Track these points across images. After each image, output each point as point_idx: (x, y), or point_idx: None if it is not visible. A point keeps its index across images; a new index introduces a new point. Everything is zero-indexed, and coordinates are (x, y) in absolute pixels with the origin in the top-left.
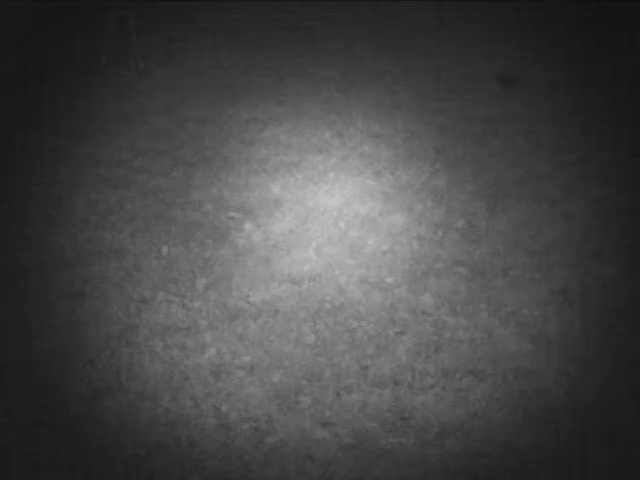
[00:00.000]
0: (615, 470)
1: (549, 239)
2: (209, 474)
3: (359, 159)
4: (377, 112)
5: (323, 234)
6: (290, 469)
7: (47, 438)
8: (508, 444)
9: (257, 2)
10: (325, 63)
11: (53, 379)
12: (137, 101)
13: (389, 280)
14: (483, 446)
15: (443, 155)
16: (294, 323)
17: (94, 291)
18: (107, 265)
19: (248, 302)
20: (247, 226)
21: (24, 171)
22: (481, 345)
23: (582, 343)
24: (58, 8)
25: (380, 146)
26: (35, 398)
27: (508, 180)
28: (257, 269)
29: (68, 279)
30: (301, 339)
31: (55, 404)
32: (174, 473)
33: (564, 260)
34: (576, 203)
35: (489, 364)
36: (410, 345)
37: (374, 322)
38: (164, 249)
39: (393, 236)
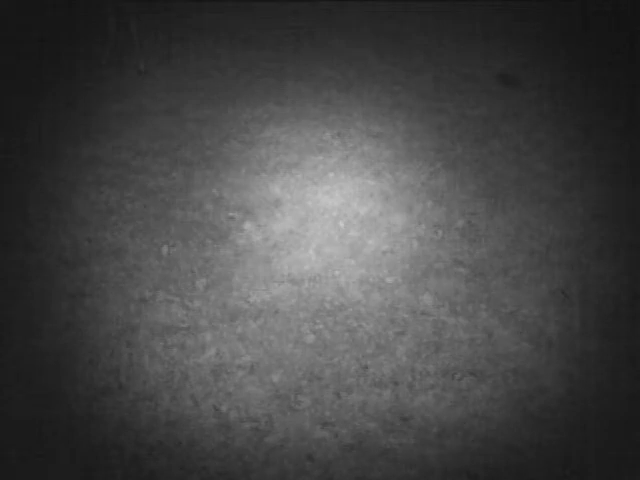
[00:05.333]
0: (615, 470)
1: (549, 239)
2: (209, 474)
3: (359, 159)
4: (377, 112)
5: (323, 234)
6: (290, 469)
7: (47, 438)
8: (508, 444)
9: (257, 2)
10: (325, 63)
11: (53, 379)
12: (137, 101)
13: (389, 280)
14: (483, 446)
15: (443, 155)
16: (294, 323)
17: (94, 291)
18: (107, 265)
19: (248, 302)
20: (247, 226)
21: (24, 171)
22: (481, 345)
23: (582, 343)
24: (58, 8)
25: (380, 146)
26: (35, 398)
27: (508, 180)
28: (257, 269)
29: (68, 279)
30: (301, 339)
31: (55, 404)
32: (174, 473)
33: (564, 260)
34: (576, 203)
35: (489, 364)
36: (410, 345)
37: (374, 322)
38: (164, 249)
39: (393, 236)
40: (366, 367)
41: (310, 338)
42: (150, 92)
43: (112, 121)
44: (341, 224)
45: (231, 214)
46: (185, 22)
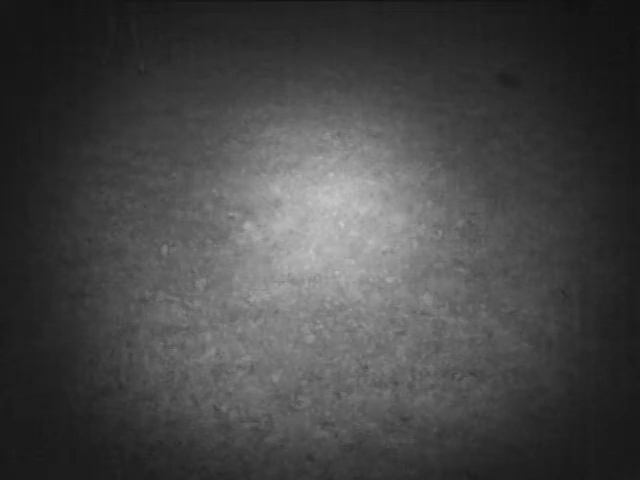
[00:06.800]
0: (615, 470)
1: (549, 239)
2: (209, 474)
3: (359, 159)
4: (377, 112)
5: (323, 234)
6: (290, 469)
7: (47, 438)
8: (508, 444)
9: (257, 2)
10: (325, 63)
11: (53, 379)
12: (137, 101)
13: (389, 280)
14: (483, 446)
15: (443, 155)
16: (294, 323)
17: (94, 291)
18: (107, 265)
19: (248, 302)
20: (247, 226)
21: (24, 171)
22: (481, 345)
23: (582, 343)
24: (58, 8)
25: (380, 146)
26: (35, 398)
27: (508, 180)
28: (257, 269)
29: (68, 279)
30: (301, 339)
31: (55, 404)
32: (174, 473)
33: (564, 260)
34: (576, 203)
35: (489, 364)
36: (410, 345)
37: (374, 322)
38: (164, 249)
39: (393, 236)
40: (366, 367)
41: (310, 338)
42: (150, 92)
43: (112, 121)
44: (341, 224)
45: (231, 214)
46: (185, 22)
